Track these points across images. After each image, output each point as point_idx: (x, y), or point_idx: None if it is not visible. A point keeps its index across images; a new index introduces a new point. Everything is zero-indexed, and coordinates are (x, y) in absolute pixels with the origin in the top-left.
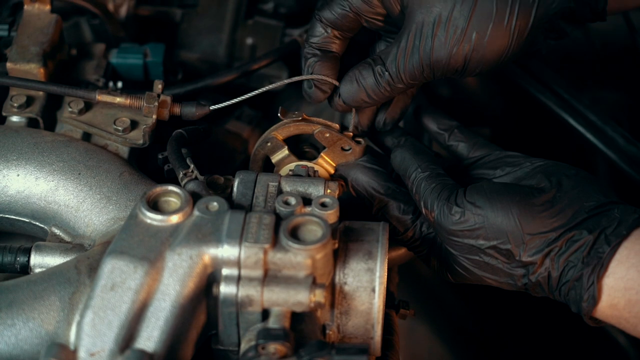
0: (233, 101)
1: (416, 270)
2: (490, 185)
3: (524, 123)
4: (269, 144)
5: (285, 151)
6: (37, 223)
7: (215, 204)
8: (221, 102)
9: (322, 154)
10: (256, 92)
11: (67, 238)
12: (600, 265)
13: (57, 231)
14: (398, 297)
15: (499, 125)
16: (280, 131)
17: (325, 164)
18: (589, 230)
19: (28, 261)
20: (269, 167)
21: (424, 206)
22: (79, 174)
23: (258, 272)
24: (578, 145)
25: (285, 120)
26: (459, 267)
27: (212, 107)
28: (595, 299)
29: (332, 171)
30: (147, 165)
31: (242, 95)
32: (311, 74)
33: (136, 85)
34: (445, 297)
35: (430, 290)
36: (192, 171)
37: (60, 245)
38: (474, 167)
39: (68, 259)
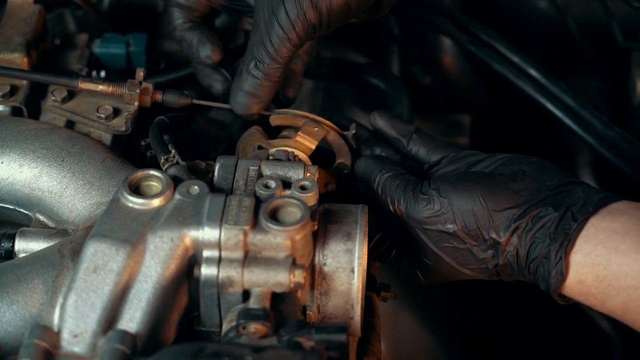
0: (217, 104)
1: None
2: (452, 173)
3: (504, 109)
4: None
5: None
6: (22, 209)
7: (196, 187)
8: (204, 93)
9: (299, 132)
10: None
11: (51, 224)
12: (567, 241)
13: (41, 217)
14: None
15: (480, 112)
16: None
17: (304, 141)
18: (554, 207)
19: (12, 246)
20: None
21: (390, 202)
22: (62, 160)
23: (238, 254)
24: (557, 130)
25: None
26: (430, 260)
27: (195, 101)
28: (563, 275)
29: (313, 147)
30: (130, 156)
31: None
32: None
33: (120, 75)
34: (429, 285)
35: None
36: (174, 156)
37: (44, 231)
38: (436, 169)
39: (52, 243)
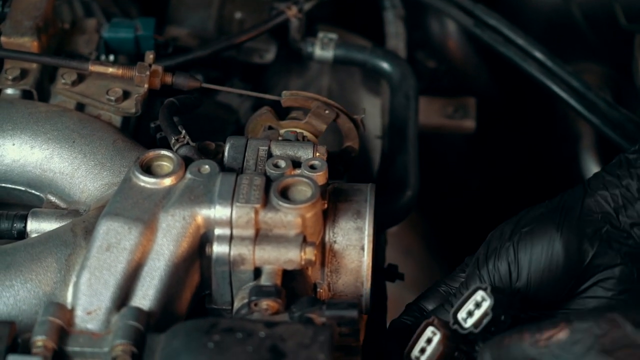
0: (226, 89)
1: (405, 242)
2: None
3: (509, 92)
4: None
5: (264, 110)
6: (33, 191)
7: (207, 166)
8: (212, 78)
9: (309, 114)
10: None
11: (62, 204)
12: None
13: (52, 198)
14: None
15: (485, 95)
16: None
17: (314, 123)
18: None
19: (25, 227)
20: None
21: None
22: (73, 142)
23: (250, 232)
24: (562, 112)
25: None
26: None
27: (205, 85)
28: None
29: (323, 129)
30: (139, 138)
31: (232, 69)
32: None
33: (128, 60)
34: (435, 268)
35: (420, 260)
36: (184, 137)
37: (56, 211)
38: None
39: (64, 223)
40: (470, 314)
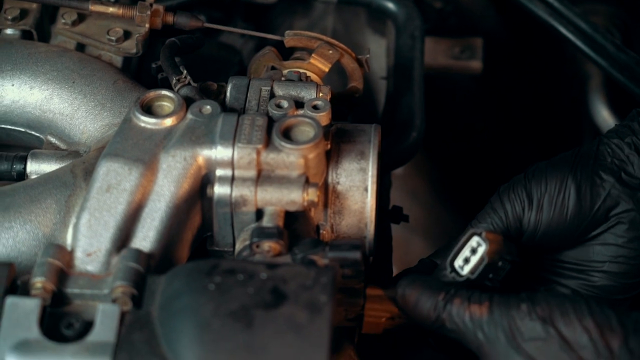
0: (228, 29)
1: (411, 184)
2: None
3: (516, 33)
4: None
5: (266, 49)
6: (33, 132)
7: (208, 107)
8: (215, 18)
9: (313, 55)
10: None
11: (62, 146)
12: None
13: (52, 139)
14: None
15: (492, 36)
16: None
17: (318, 63)
18: None
19: (24, 168)
20: None
21: None
22: (73, 82)
23: (251, 173)
24: (569, 54)
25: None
26: None
27: (207, 25)
28: None
29: (326, 69)
30: (141, 79)
31: (235, 9)
32: None
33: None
34: (440, 210)
35: (425, 203)
36: (185, 77)
37: (56, 152)
38: None
39: (64, 165)
40: (466, 260)
